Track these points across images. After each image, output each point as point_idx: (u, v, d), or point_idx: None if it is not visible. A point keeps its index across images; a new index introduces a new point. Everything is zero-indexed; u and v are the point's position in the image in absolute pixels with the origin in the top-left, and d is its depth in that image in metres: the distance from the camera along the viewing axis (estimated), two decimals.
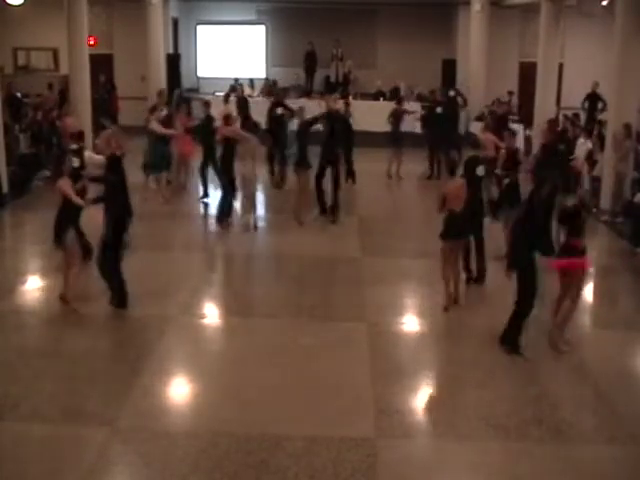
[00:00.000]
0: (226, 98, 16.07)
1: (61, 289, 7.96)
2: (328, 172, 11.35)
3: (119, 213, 7.81)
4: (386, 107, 16.85)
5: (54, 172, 8.10)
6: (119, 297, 7.94)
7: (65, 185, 7.70)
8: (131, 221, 7.93)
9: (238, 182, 11.33)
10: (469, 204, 8.03)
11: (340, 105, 14.18)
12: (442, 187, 8.26)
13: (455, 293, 8.18)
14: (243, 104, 15.93)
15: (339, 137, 11.66)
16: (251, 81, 20.07)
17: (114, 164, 7.88)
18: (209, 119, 12.69)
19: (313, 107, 13.61)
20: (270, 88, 19.29)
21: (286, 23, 22.29)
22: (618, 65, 12.31)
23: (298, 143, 11.44)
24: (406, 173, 15.20)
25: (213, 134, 12.24)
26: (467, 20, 20.33)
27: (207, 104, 13.19)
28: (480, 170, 8.50)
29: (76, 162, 8.68)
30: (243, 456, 5.31)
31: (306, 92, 20.61)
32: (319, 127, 11.56)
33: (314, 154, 11.32)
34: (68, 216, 7.76)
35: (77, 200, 7.67)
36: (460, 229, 8.05)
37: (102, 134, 8.57)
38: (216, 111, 15.60)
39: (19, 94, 17.72)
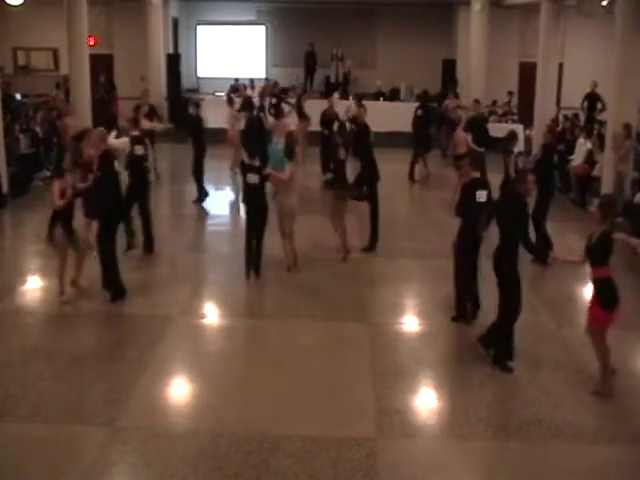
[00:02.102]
0: (230, 100, 15.90)
1: (74, 278, 8.22)
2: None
3: (108, 208, 7.94)
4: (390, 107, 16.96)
5: (54, 171, 8.20)
6: (114, 290, 8.09)
7: (54, 186, 7.80)
8: (120, 218, 8.13)
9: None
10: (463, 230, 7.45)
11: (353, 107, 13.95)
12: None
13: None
14: (249, 105, 15.80)
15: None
16: (251, 81, 20.08)
17: (105, 161, 7.97)
18: (199, 120, 12.67)
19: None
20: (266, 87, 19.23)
21: (286, 23, 22.31)
22: (618, 65, 12.32)
23: (335, 163, 9.73)
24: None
25: (202, 135, 12.39)
26: (467, 20, 20.35)
27: (197, 105, 13.18)
28: (481, 195, 7.40)
29: (140, 150, 9.58)
30: (243, 456, 5.31)
31: (305, 92, 20.59)
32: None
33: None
34: (59, 215, 7.87)
35: (56, 202, 7.75)
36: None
37: (94, 132, 8.78)
38: (218, 112, 15.61)
39: (18, 94, 17.75)
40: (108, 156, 8.10)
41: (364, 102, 13.44)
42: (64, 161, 8.10)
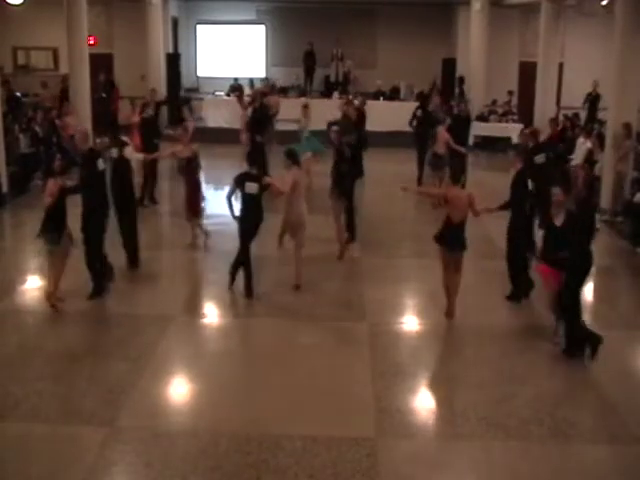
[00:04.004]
0: (241, 100, 15.71)
1: (47, 289, 7.99)
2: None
3: (94, 207, 8.00)
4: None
5: (47, 172, 8.28)
6: (95, 287, 8.12)
7: (50, 185, 7.76)
8: (107, 217, 8.20)
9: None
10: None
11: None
12: (447, 189, 8.06)
13: (450, 305, 7.82)
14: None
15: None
16: (251, 81, 20.09)
17: (90, 159, 8.02)
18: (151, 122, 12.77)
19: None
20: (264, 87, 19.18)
21: (286, 23, 22.30)
22: (618, 65, 12.31)
23: (341, 166, 9.88)
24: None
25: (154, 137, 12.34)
26: (467, 20, 20.33)
27: (159, 104, 13.08)
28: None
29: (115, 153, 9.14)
30: (243, 456, 5.31)
31: (304, 92, 20.60)
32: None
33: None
34: (56, 216, 7.77)
35: (46, 200, 7.70)
36: (453, 241, 7.65)
37: (79, 130, 8.96)
38: (218, 113, 15.48)
39: (18, 94, 17.75)
40: (92, 155, 8.17)
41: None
42: (55, 161, 8.10)
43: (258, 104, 14.22)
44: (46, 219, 7.75)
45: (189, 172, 10.10)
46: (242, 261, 8.30)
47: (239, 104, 15.24)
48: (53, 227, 7.73)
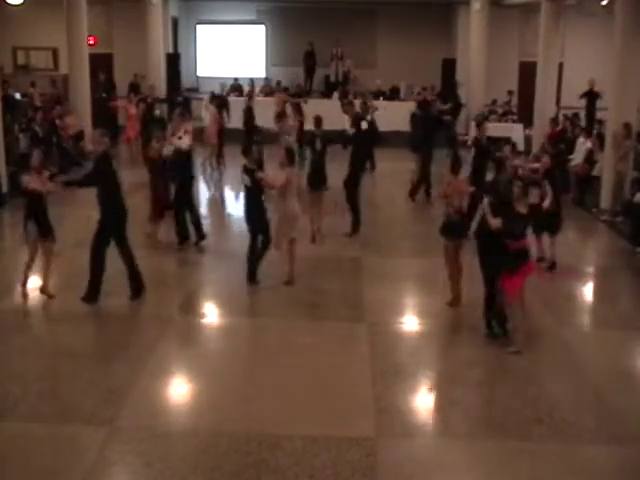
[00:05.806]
0: (212, 99, 15.85)
1: (42, 282, 8.24)
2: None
3: (112, 209, 7.91)
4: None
5: (22, 168, 8.41)
6: (89, 290, 8.01)
7: (30, 182, 7.97)
8: (125, 219, 8.03)
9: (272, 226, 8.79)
10: None
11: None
12: (446, 185, 8.17)
13: (456, 292, 8.09)
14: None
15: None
16: (251, 81, 20.10)
17: (103, 162, 8.00)
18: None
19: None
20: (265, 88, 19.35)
21: (286, 23, 22.31)
22: (618, 64, 12.32)
23: (314, 158, 10.45)
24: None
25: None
26: (467, 19, 20.36)
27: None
28: None
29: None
30: (243, 456, 5.31)
31: (305, 92, 20.61)
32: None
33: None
34: (31, 210, 8.06)
35: (48, 187, 7.91)
36: (448, 229, 7.95)
37: (93, 132, 9.00)
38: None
39: (18, 94, 17.78)
40: (106, 156, 8.09)
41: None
42: (33, 158, 8.17)
43: (246, 107, 14.56)
44: (27, 214, 8.07)
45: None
46: (251, 250, 8.69)
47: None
48: (35, 221, 8.07)
